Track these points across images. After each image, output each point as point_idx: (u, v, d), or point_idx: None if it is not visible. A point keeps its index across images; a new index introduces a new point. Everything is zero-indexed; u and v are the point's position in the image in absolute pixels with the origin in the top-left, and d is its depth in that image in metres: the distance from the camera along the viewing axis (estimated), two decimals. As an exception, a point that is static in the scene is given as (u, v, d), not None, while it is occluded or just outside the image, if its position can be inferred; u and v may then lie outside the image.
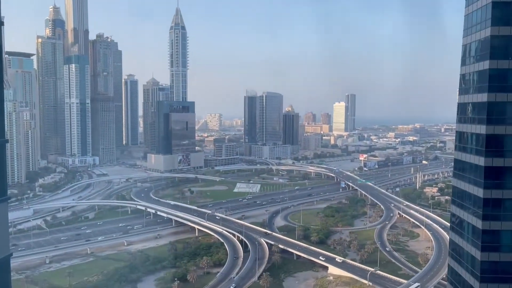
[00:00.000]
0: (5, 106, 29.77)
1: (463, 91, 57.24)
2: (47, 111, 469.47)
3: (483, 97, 50.72)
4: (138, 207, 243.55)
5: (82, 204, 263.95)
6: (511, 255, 50.17)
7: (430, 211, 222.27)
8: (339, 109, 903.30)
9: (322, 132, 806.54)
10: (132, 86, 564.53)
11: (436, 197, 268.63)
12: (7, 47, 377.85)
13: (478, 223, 51.13)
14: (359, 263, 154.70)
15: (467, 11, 55.54)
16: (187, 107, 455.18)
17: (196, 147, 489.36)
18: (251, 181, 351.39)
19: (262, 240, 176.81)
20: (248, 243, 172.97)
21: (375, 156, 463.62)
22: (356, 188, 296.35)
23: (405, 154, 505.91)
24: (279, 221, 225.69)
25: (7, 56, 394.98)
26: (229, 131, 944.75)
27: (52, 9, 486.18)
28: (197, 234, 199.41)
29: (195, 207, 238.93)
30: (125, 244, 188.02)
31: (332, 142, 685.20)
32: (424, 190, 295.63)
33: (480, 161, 50.94)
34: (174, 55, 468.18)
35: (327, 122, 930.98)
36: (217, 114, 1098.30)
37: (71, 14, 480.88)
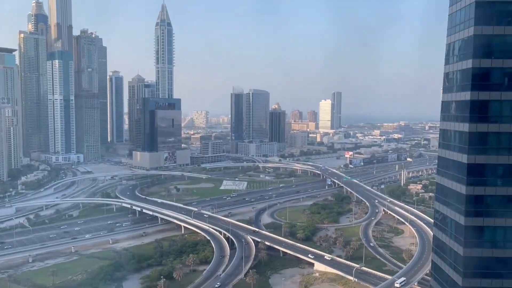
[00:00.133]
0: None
1: (446, 89, 58.04)
2: (30, 108, 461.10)
3: (466, 96, 51.49)
4: (124, 205, 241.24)
5: (66, 202, 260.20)
6: (493, 250, 51.19)
7: (414, 208, 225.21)
8: (325, 107, 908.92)
9: (308, 129, 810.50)
10: (117, 83, 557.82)
11: (420, 194, 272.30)
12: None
13: (461, 219, 52.00)
14: (345, 259, 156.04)
15: (451, 11, 56.27)
16: (173, 104, 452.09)
17: (182, 145, 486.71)
18: (237, 179, 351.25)
19: (248, 237, 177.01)
20: (234, 241, 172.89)
21: (360, 154, 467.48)
22: (342, 185, 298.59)
23: (390, 151, 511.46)
24: (265, 218, 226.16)
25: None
26: (216, 128, 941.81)
27: (35, 4, 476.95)
28: (183, 232, 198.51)
29: (181, 205, 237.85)
30: (110, 242, 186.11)
31: (318, 139, 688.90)
32: (409, 187, 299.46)
33: (463, 158, 51.74)
34: (160, 52, 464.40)
35: (313, 120, 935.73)
36: (203, 111, 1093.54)
37: (54, 9, 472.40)
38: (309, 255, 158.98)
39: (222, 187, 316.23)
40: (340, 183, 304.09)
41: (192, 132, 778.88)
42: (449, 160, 55.96)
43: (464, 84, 52.45)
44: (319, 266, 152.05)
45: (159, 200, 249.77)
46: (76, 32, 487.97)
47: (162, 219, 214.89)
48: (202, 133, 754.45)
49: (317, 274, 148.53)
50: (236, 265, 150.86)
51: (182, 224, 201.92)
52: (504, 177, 51.07)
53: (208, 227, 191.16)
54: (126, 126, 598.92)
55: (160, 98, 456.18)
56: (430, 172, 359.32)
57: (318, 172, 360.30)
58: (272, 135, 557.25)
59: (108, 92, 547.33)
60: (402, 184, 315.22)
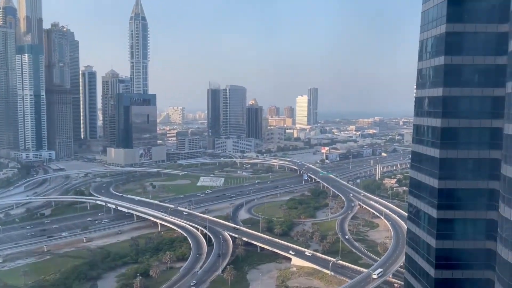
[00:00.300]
0: None
1: (420, 85, 59.05)
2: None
3: (438, 92, 52.50)
4: (98, 202, 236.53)
5: (38, 201, 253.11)
6: (464, 242, 52.58)
7: (389, 202, 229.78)
8: (302, 103, 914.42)
9: (285, 125, 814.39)
10: (90, 78, 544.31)
11: (394, 188, 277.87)
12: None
13: (433, 213, 53.18)
14: (322, 253, 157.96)
15: (424, 8, 57.19)
16: (148, 100, 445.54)
17: (158, 141, 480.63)
18: (212, 174, 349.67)
19: (226, 233, 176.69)
20: (212, 237, 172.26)
21: (336, 149, 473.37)
22: (318, 180, 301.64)
23: (365, 146, 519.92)
24: (243, 214, 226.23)
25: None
26: (192, 124, 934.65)
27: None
28: (159, 229, 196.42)
29: (158, 202, 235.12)
30: (84, 240, 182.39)
31: (295, 135, 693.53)
32: (383, 181, 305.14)
33: (435, 153, 52.81)
34: (135, 47, 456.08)
35: (290, 116, 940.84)
36: (179, 107, 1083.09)
37: (23, 2, 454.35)
38: (284, 249, 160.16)
39: (199, 184, 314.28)
40: (316, 178, 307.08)
41: (168, 128, 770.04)
42: (422, 154, 57.06)
43: (436, 81, 53.46)
44: (296, 261, 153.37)
45: (136, 198, 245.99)
46: (46, 25, 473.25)
47: (138, 216, 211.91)
48: (178, 129, 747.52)
49: (294, 269, 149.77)
50: (213, 261, 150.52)
51: (159, 221, 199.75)
52: (474, 171, 52.37)
53: (185, 224, 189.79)
54: (100, 122, 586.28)
55: (134, 94, 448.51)
56: (404, 166, 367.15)
57: (295, 167, 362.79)
58: (249, 131, 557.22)
59: (81, 87, 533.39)
60: (377, 178, 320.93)
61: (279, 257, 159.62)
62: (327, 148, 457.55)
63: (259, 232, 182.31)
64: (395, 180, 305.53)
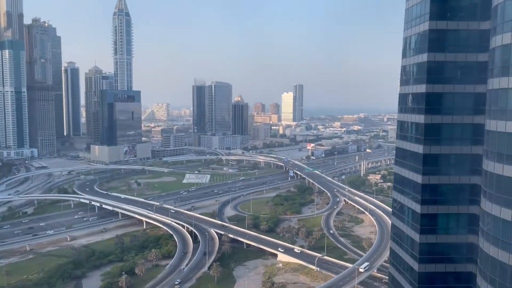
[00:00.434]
0: None
1: (403, 82, 59.58)
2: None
3: (421, 88, 53.06)
4: (82, 200, 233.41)
5: (20, 199, 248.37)
6: (446, 236, 53.42)
7: (373, 198, 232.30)
8: (287, 100, 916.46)
9: (271, 122, 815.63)
10: (73, 74, 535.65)
11: (379, 184, 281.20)
12: None
13: (417, 208, 53.85)
14: (307, 249, 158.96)
15: (408, 5, 57.66)
16: (133, 97, 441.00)
17: (143, 138, 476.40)
18: (197, 172, 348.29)
19: (212, 230, 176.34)
20: (198, 234, 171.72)
21: (322, 145, 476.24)
22: (304, 176, 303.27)
23: (350, 143, 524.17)
24: (229, 211, 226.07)
25: None
26: (177, 121, 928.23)
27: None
28: (145, 227, 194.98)
29: (143, 200, 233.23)
30: (68, 239, 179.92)
31: (281, 132, 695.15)
32: (368, 177, 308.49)
33: (419, 149, 53.45)
34: (118, 43, 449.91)
35: (276, 112, 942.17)
36: (164, 103, 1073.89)
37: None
38: (270, 245, 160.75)
39: (185, 181, 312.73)
40: (302, 175, 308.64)
41: (153, 125, 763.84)
42: (406, 150, 57.67)
43: (420, 77, 54.00)
44: (282, 257, 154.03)
45: (123, 196, 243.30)
46: (27, 21, 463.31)
47: (123, 214, 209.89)
48: (163, 126, 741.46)
49: (280, 265, 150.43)
50: (199, 258, 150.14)
51: (144, 219, 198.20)
52: (457, 166, 53.14)
53: (170, 221, 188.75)
54: (83, 119, 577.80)
55: (118, 90, 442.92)
56: (388, 162, 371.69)
57: (281, 164, 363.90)
58: (235, 128, 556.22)
59: (63, 84, 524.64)
60: (362, 174, 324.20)
61: (266, 253, 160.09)
62: (312, 145, 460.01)
63: (245, 228, 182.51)
64: (380, 176, 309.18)
